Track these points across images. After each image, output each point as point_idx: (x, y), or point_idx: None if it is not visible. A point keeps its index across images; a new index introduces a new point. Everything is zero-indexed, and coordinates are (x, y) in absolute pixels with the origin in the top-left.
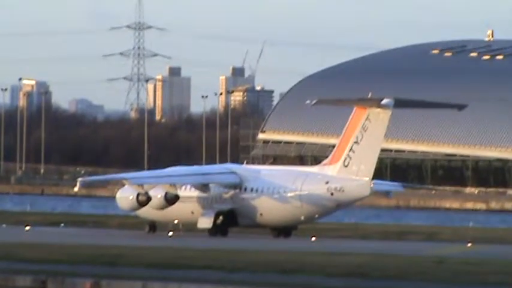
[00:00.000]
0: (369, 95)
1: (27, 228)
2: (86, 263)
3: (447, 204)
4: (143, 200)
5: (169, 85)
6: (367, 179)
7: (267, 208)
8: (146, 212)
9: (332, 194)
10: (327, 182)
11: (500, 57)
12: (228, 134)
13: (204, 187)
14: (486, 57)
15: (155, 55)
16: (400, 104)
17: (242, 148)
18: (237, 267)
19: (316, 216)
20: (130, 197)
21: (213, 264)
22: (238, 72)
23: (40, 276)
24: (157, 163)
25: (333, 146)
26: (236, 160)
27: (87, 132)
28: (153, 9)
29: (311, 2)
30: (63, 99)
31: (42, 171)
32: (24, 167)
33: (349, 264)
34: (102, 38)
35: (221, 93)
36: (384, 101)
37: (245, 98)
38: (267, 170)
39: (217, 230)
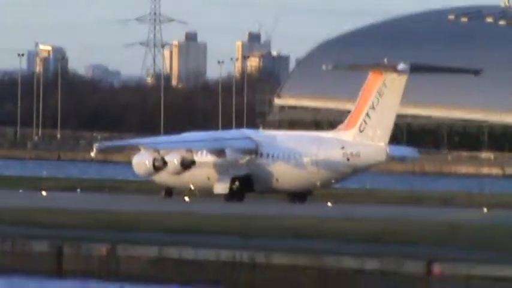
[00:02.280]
0: (385, 60)
1: (44, 193)
2: (102, 228)
3: (463, 169)
4: (159, 166)
5: (185, 50)
6: (383, 144)
7: (283, 173)
8: (162, 177)
9: (348, 159)
10: (343, 147)
11: None
12: (244, 100)
13: (219, 153)
14: (502, 22)
15: (171, 20)
16: (416, 69)
17: (258, 114)
18: (253, 232)
19: (332, 181)
20: (147, 162)
21: (229, 230)
22: (254, 37)
23: (56, 241)
24: (173, 128)
25: (349, 112)
26: (252, 125)
27: (104, 98)
28: None
29: None
30: (79, 64)
31: (58, 136)
32: (40, 132)
33: (365, 229)
34: (118, 3)
35: (237, 59)
36: (400, 66)
37: (261, 63)
38: (282, 136)
39: (233, 195)
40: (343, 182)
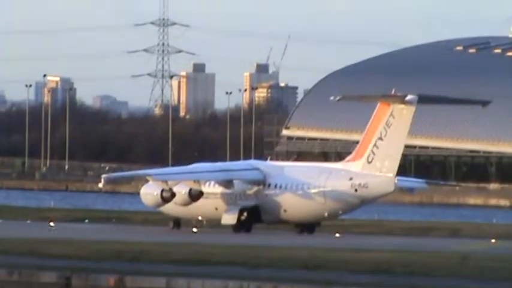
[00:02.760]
0: (393, 91)
1: (52, 224)
2: (110, 259)
3: (471, 200)
4: (167, 196)
5: (193, 81)
6: (391, 175)
7: (291, 204)
8: (170, 208)
9: (356, 190)
10: (351, 178)
11: None
12: (252, 131)
13: (228, 183)
14: (510, 53)
15: (179, 51)
16: (424, 100)
17: (266, 144)
18: (260, 263)
19: (340, 212)
20: (155, 193)
21: (236, 261)
22: (262, 68)
23: (64, 272)
24: (181, 159)
25: (357, 142)
26: (260, 156)
27: (112, 129)
28: (178, 6)
29: None
30: (87, 95)
31: (66, 167)
32: (48, 163)
33: (373, 260)
34: (126, 34)
35: (245, 90)
36: (408, 97)
37: (269, 94)
38: (290, 167)
39: (241, 226)
40: (351, 213)
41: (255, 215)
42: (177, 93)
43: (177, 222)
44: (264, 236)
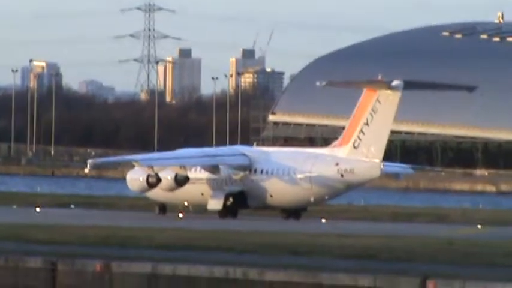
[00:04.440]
0: (379, 77)
1: (38, 209)
2: (96, 244)
3: (457, 186)
4: (153, 182)
5: (179, 67)
6: (377, 160)
7: (277, 190)
8: (156, 193)
9: (342, 175)
10: (337, 164)
11: (510, 39)
12: (238, 116)
13: (214, 169)
14: (496, 39)
15: (165, 37)
16: (410, 85)
17: (252, 130)
18: (246, 249)
19: (326, 197)
20: (141, 179)
21: (222, 246)
22: (248, 53)
23: (50, 257)
24: (167, 145)
25: (343, 128)
26: (246, 142)
27: (98, 114)
28: None
29: None
30: (73, 80)
31: (52, 152)
32: (34, 148)
33: (358, 246)
34: (112, 19)
35: (231, 75)
36: (394, 83)
37: (255, 79)
38: (277, 152)
39: (227, 211)
40: (337, 198)
41: (241, 201)
42: (163, 79)
43: (163, 208)
44: (250, 221)
